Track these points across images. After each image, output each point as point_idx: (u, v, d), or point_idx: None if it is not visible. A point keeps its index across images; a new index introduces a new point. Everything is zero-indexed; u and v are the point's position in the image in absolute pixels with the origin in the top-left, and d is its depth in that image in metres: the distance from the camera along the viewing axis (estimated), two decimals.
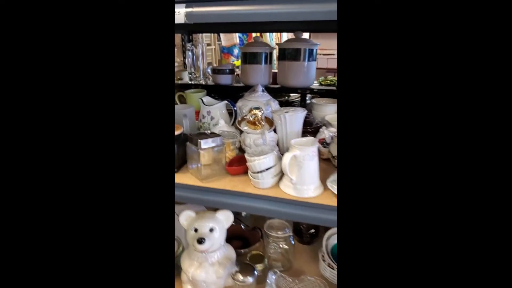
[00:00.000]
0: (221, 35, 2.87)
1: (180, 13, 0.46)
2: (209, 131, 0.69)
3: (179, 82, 1.10)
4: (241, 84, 1.11)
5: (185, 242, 0.87)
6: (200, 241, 0.70)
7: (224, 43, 2.85)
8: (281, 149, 0.68)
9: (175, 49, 3.51)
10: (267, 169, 0.56)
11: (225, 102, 0.81)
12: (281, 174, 0.59)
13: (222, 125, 0.75)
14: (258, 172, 0.56)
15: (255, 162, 0.55)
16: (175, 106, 0.86)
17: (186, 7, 0.46)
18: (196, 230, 0.73)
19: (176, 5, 0.47)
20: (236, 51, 2.89)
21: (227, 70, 1.08)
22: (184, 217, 0.75)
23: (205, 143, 0.59)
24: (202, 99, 0.81)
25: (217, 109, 0.80)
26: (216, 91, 1.08)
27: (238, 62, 3.00)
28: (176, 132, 0.64)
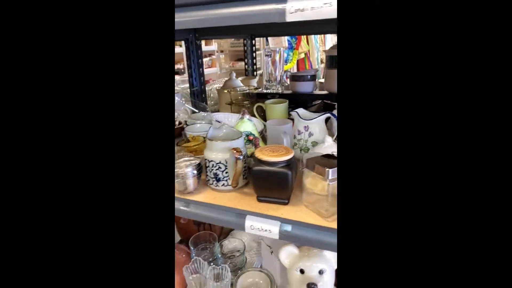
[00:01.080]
0: (269, 38, 2.77)
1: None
2: (320, 153, 0.57)
3: (256, 91, 0.99)
4: (324, 92, 0.98)
5: (279, 279, 0.75)
6: (311, 287, 0.58)
7: (272, 47, 2.74)
8: None
9: (222, 55, 3.48)
10: None
11: (327, 114, 0.68)
12: None
13: (330, 144, 0.62)
14: None
15: None
16: (268, 122, 0.75)
17: None
18: (302, 271, 0.61)
19: None
20: (284, 55, 2.78)
21: (309, 77, 0.96)
22: (286, 254, 0.63)
23: (334, 173, 0.47)
24: (297, 112, 0.69)
25: (316, 124, 0.68)
26: (293, 100, 0.96)
27: (286, 67, 2.88)
28: (288, 156, 0.52)
